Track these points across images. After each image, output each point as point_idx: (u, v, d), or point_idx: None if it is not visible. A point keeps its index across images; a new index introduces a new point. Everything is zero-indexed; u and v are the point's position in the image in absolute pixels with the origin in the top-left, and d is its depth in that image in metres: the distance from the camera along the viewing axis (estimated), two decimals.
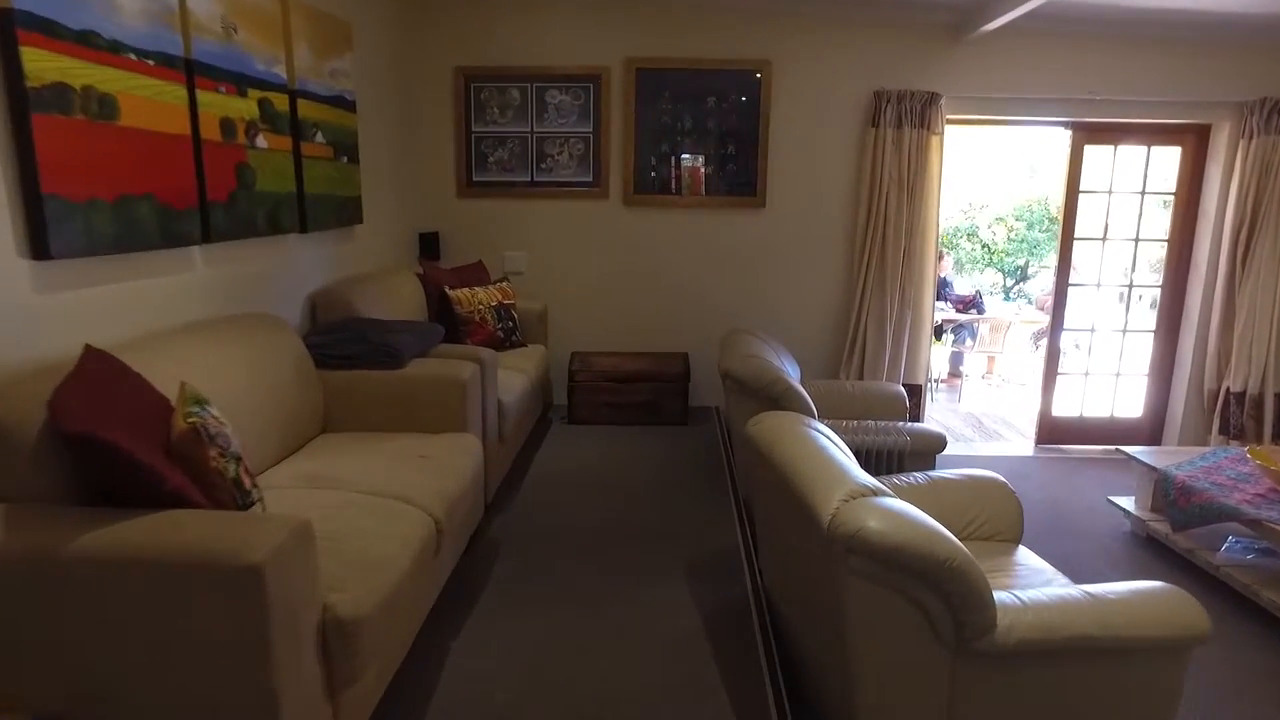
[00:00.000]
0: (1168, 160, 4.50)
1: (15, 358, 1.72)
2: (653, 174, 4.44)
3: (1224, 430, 4.36)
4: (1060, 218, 4.58)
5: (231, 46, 2.47)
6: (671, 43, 4.29)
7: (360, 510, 1.97)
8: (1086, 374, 4.77)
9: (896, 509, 1.59)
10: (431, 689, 2.01)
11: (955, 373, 6.79)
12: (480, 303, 3.96)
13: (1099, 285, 4.74)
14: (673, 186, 4.44)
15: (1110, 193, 4.51)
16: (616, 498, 3.29)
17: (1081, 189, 4.47)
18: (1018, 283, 10.57)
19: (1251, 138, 4.11)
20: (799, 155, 4.38)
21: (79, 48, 1.79)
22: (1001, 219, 10.77)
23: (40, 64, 1.69)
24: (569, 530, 2.97)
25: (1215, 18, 3.88)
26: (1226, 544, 3.01)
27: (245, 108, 2.57)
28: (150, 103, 2.07)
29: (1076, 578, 2.21)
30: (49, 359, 1.75)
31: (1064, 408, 4.77)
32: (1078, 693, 1.69)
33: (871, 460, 3.05)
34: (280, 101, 2.82)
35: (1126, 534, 3.45)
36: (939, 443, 3.11)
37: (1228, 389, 4.33)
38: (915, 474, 2.51)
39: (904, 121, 4.14)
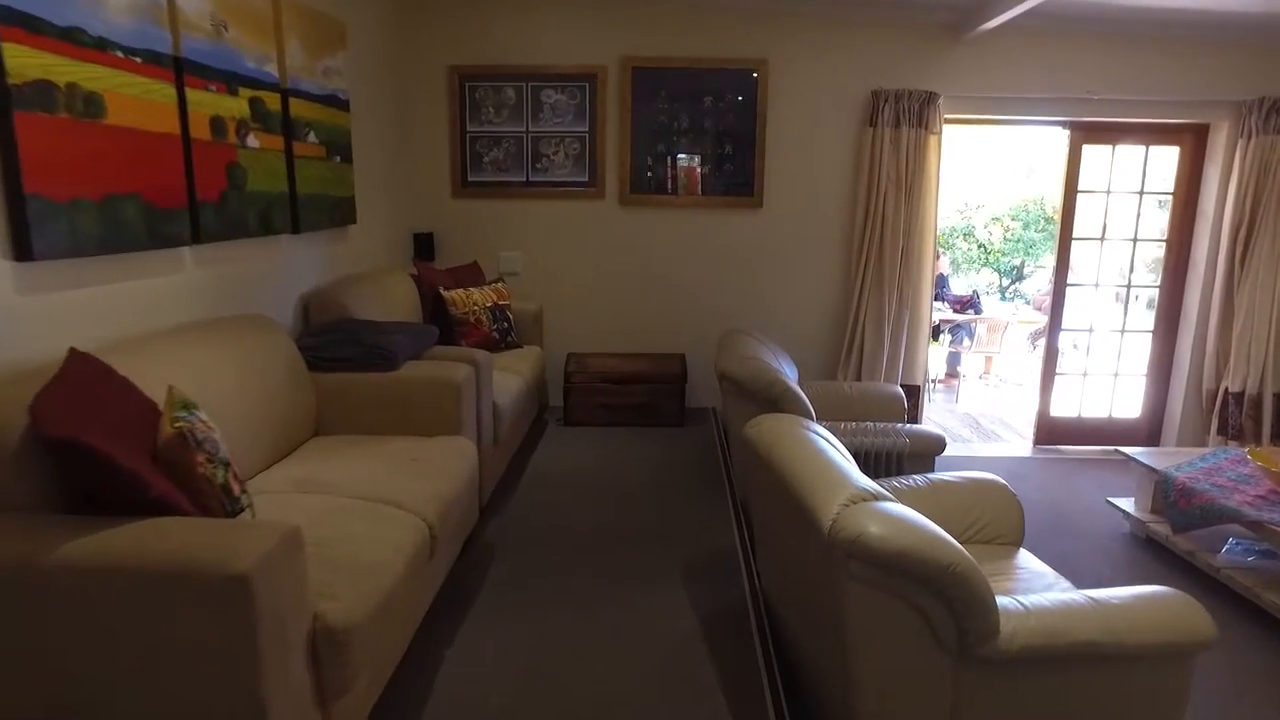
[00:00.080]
0: (1166, 160, 4.48)
1: None
2: (649, 174, 4.41)
3: (1222, 430, 4.34)
4: (1056, 218, 4.57)
5: (222, 44, 2.43)
6: (668, 42, 4.26)
7: (352, 515, 1.94)
8: (1085, 374, 4.76)
9: (897, 513, 1.57)
10: (426, 695, 1.98)
11: (952, 373, 6.78)
12: (475, 304, 3.93)
13: (1097, 285, 4.73)
14: (669, 186, 4.42)
15: (1108, 192, 4.49)
16: (613, 500, 3.26)
17: (1080, 189, 4.46)
18: (1013, 282, 10.57)
19: (1250, 137, 4.10)
20: (796, 155, 4.35)
21: (63, 44, 1.76)
22: (998, 219, 10.77)
23: (23, 60, 1.65)
24: (565, 533, 2.94)
25: (1213, 17, 3.87)
26: (1227, 546, 2.99)
27: (236, 106, 2.54)
28: (138, 101, 2.03)
29: (1076, 580, 2.19)
30: (32, 362, 1.71)
31: (1062, 408, 4.75)
32: (1081, 699, 1.67)
33: (870, 462, 3.02)
34: (272, 100, 2.78)
35: (1126, 535, 3.43)
36: (938, 444, 3.09)
37: (1226, 389, 4.31)
38: (915, 476, 2.48)
39: (902, 121, 4.11)
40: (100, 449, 1.34)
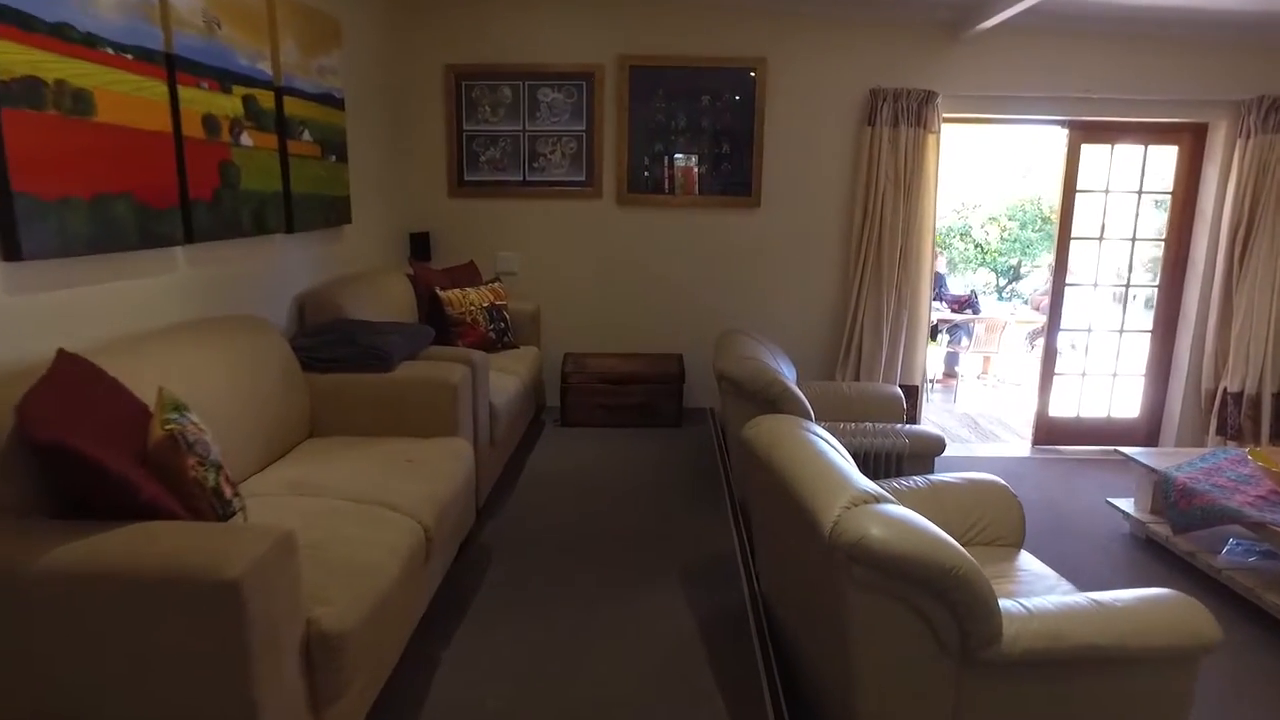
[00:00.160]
0: (1164, 160, 4.48)
1: None
2: (646, 173, 4.39)
3: (1221, 430, 4.34)
4: (1054, 217, 4.56)
5: (214, 41, 2.40)
6: (666, 40, 4.24)
7: (346, 518, 1.92)
8: (1083, 374, 4.75)
9: (899, 516, 1.55)
10: (422, 698, 1.96)
11: (950, 373, 6.77)
12: (472, 304, 3.90)
13: (1096, 285, 4.72)
14: (666, 186, 4.40)
15: (1107, 192, 4.48)
16: (610, 501, 3.24)
17: (1078, 188, 4.45)
18: (1010, 282, 10.58)
19: (1249, 137, 4.09)
20: (794, 154, 4.33)
21: (52, 40, 1.73)
22: (994, 219, 10.77)
23: (10, 56, 1.62)
24: (562, 534, 2.92)
25: (1212, 16, 3.86)
26: (1228, 546, 2.98)
27: (229, 104, 2.51)
28: (129, 98, 2.00)
29: (1077, 581, 2.18)
30: (20, 363, 1.68)
31: (1061, 408, 4.74)
32: (1084, 703, 1.65)
33: (870, 463, 3.00)
34: (266, 98, 2.76)
35: (1125, 536, 3.42)
36: (938, 445, 3.08)
37: (1225, 389, 4.31)
38: (915, 478, 2.47)
39: (900, 120, 4.10)
40: (88, 452, 1.31)
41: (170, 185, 2.22)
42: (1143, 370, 4.68)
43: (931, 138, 4.14)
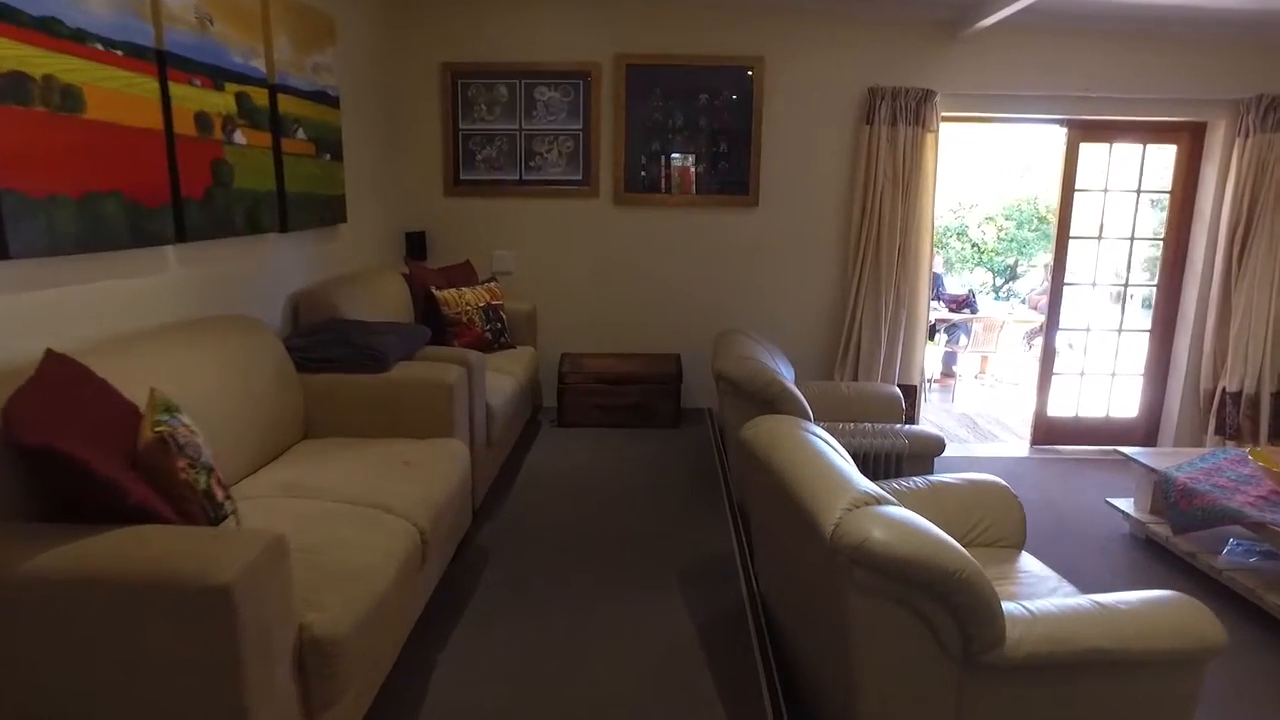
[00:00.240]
0: (1163, 159, 4.47)
1: None
2: (643, 173, 4.37)
3: (1220, 430, 4.33)
4: (1052, 217, 4.55)
5: (206, 38, 2.37)
6: (663, 39, 4.21)
7: (341, 521, 1.89)
8: (1082, 374, 4.74)
9: (901, 518, 1.53)
10: (419, 701, 1.93)
11: (948, 373, 6.76)
12: (468, 303, 3.87)
13: (1094, 285, 4.70)
14: (663, 185, 4.37)
15: (1105, 191, 4.47)
16: (608, 502, 3.22)
17: (1076, 187, 4.43)
18: (1007, 282, 10.58)
19: (1247, 136, 4.08)
20: (792, 153, 4.31)
21: (39, 35, 1.70)
22: (991, 218, 10.78)
23: None
24: (559, 536, 2.89)
25: (1211, 14, 3.85)
26: (1228, 547, 2.96)
27: (222, 102, 2.48)
28: (119, 95, 1.97)
29: (1077, 582, 2.17)
30: (7, 364, 1.64)
31: (1059, 408, 4.73)
32: (1089, 707, 1.63)
33: (869, 464, 2.99)
34: (259, 96, 2.73)
35: (1125, 536, 3.40)
36: (937, 445, 3.06)
37: (1224, 389, 4.30)
38: (915, 478, 2.45)
39: (899, 119, 4.08)
40: (76, 455, 1.29)
41: (161, 183, 2.19)
42: (1141, 370, 4.67)
43: (930, 136, 4.12)
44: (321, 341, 2.76)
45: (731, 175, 4.35)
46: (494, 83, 4.29)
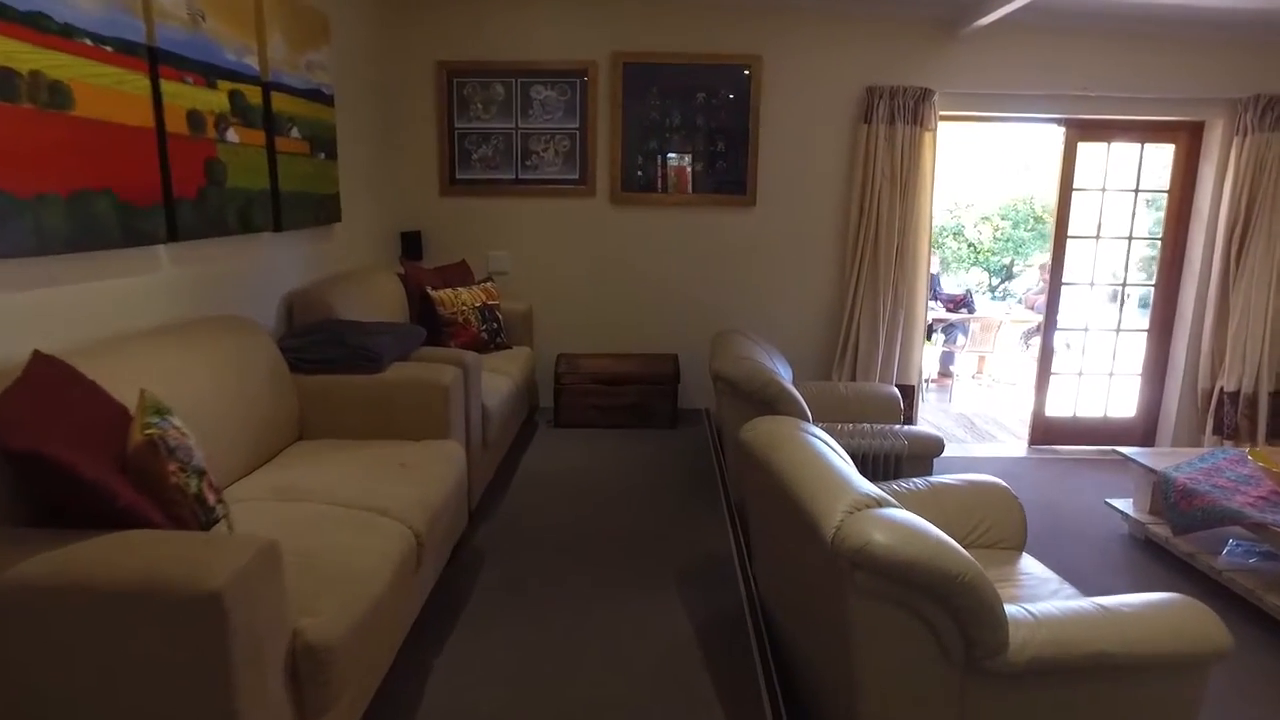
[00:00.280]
0: (1161, 158, 4.46)
1: None
2: (639, 172, 4.35)
3: (1218, 430, 4.32)
4: (1047, 216, 4.54)
5: (199, 35, 2.34)
6: (660, 37, 4.19)
7: (335, 524, 1.86)
8: (1080, 374, 4.73)
9: (903, 520, 1.51)
10: (415, 705, 1.91)
11: (945, 372, 6.75)
12: (463, 304, 3.85)
13: (1092, 285, 4.70)
14: (659, 185, 4.35)
15: (1103, 191, 4.46)
16: (605, 503, 3.20)
17: (1074, 187, 4.42)
18: (1003, 281, 10.58)
19: (1245, 135, 4.07)
20: (790, 152, 4.29)
21: (26, 30, 1.66)
22: (987, 218, 10.78)
23: None
24: (556, 537, 2.87)
25: (1209, 13, 3.84)
26: (1228, 547, 2.95)
27: (215, 100, 2.45)
28: (109, 92, 1.94)
29: (1077, 584, 2.16)
30: None
31: (1057, 408, 4.72)
32: (1092, 711, 1.61)
33: (868, 465, 2.97)
34: (253, 94, 2.70)
35: (1124, 537, 3.39)
36: (936, 446, 3.04)
37: (1222, 389, 4.29)
38: (915, 480, 2.43)
39: (897, 118, 4.06)
40: (62, 459, 1.26)
41: (153, 182, 2.16)
42: (1139, 370, 4.66)
43: (928, 135, 4.11)
44: (316, 342, 2.73)
45: (729, 174, 4.33)
46: (490, 81, 4.27)
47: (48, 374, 1.50)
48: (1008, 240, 10.69)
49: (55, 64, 1.75)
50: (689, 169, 4.34)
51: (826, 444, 1.95)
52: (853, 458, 2.63)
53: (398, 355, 2.85)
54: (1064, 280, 4.56)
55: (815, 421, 2.61)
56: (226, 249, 2.65)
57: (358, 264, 3.84)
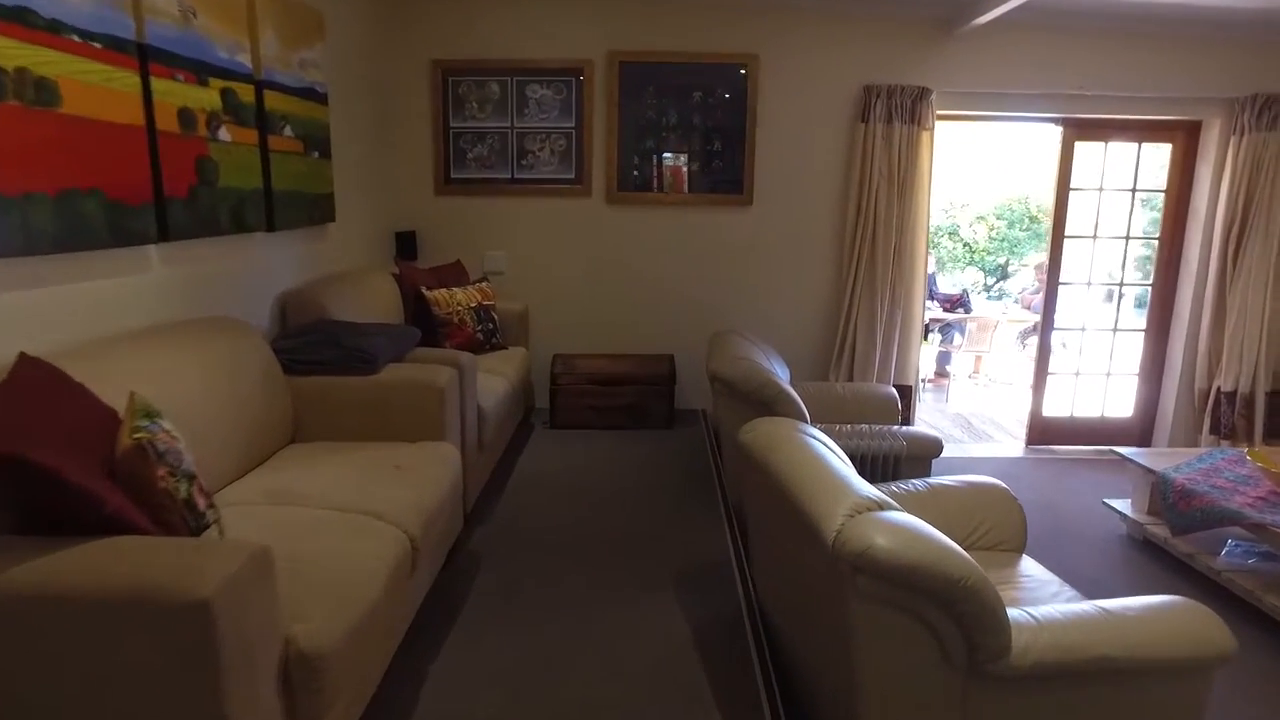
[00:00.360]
0: (1158, 158, 4.45)
1: None
2: (635, 172, 4.32)
3: (1215, 430, 4.32)
4: (1043, 216, 4.53)
5: (190, 31, 2.31)
6: (656, 36, 4.17)
7: (328, 528, 1.84)
8: (1077, 374, 4.72)
9: (904, 524, 1.49)
10: (409, 713, 1.88)
11: (942, 372, 6.74)
12: (459, 304, 3.82)
13: (1089, 284, 4.69)
14: (655, 184, 4.33)
15: (1100, 190, 4.46)
16: (602, 504, 3.17)
17: (1071, 186, 4.41)
18: (998, 281, 10.60)
19: (1242, 135, 4.07)
20: (787, 152, 4.28)
21: (11, 25, 1.63)
22: (982, 218, 10.79)
23: None
24: (552, 539, 2.85)
25: (1206, 12, 3.83)
26: (1226, 548, 2.94)
27: (206, 98, 2.42)
28: (98, 89, 1.91)
29: (1076, 585, 2.15)
30: None
31: (1054, 408, 4.71)
32: (1095, 715, 1.60)
33: (867, 466, 2.95)
34: (245, 92, 2.66)
35: (1123, 537, 3.38)
36: (935, 447, 3.03)
37: (1219, 388, 4.29)
38: (914, 481, 2.42)
39: (894, 117, 4.05)
40: (48, 464, 1.23)
41: (143, 181, 2.13)
42: (1136, 369, 4.66)
43: (925, 135, 4.09)
44: (309, 343, 2.70)
45: (726, 174, 4.31)
46: (485, 80, 4.24)
47: (34, 377, 1.47)
48: (1003, 240, 10.71)
49: (42, 60, 1.71)
50: (685, 168, 4.31)
51: (825, 445, 1.93)
52: (851, 459, 2.61)
53: (392, 356, 2.82)
54: (1061, 280, 4.56)
55: (813, 422, 2.60)
56: (219, 249, 2.62)
57: (352, 264, 3.81)
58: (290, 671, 1.40)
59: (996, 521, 2.33)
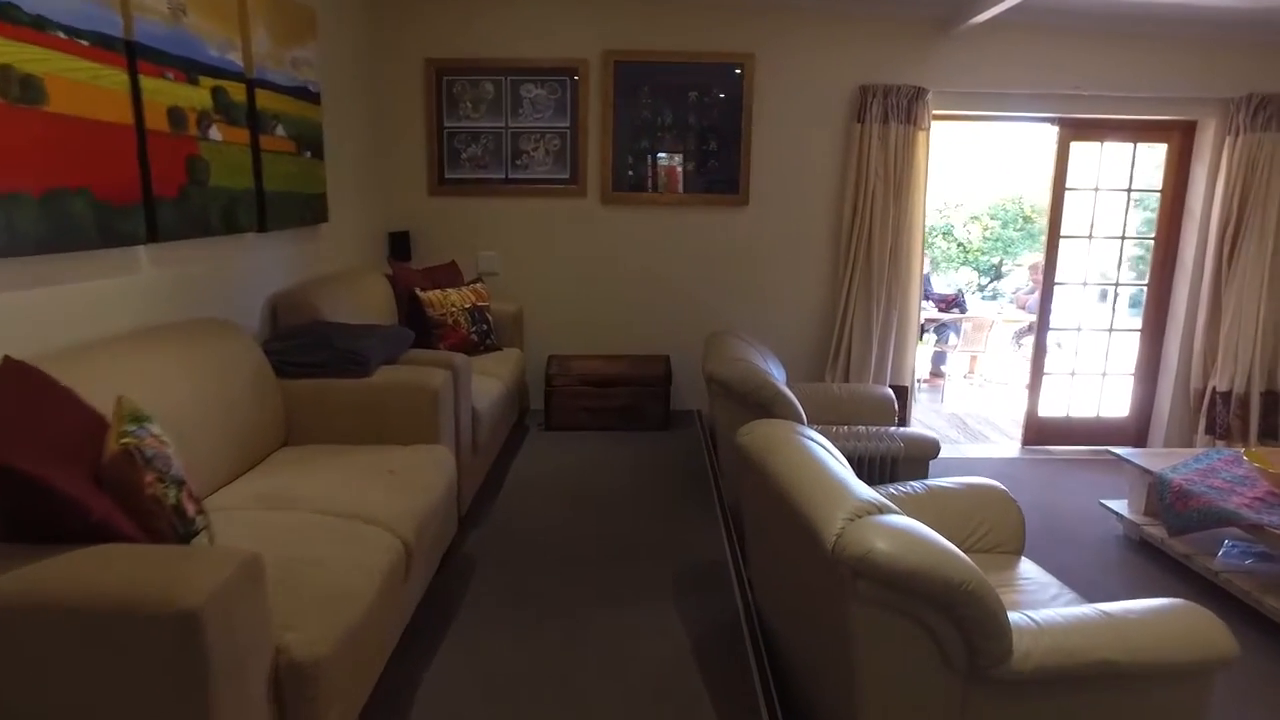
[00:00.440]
0: (1153, 158, 4.46)
1: None
2: (630, 172, 4.30)
3: (1210, 430, 4.32)
4: (1036, 216, 4.53)
5: (180, 29, 2.28)
6: (651, 35, 4.15)
7: (320, 534, 1.81)
8: (1072, 374, 4.72)
9: (905, 527, 1.48)
10: None
11: (937, 373, 6.74)
12: (453, 305, 3.79)
13: (1085, 284, 4.69)
14: (649, 184, 4.31)
15: (1096, 190, 4.45)
16: (597, 507, 3.15)
17: (1067, 186, 4.41)
18: (992, 281, 10.61)
19: (1238, 135, 4.07)
20: (783, 152, 4.26)
21: None
22: (976, 217, 10.80)
23: None
24: (548, 543, 2.82)
25: (1202, 13, 3.83)
26: (1223, 549, 2.94)
27: (197, 96, 2.39)
28: (85, 87, 1.88)
29: (1074, 586, 2.14)
30: None
31: (1050, 408, 4.71)
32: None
33: (864, 467, 2.94)
34: (236, 91, 2.63)
35: (1120, 538, 3.38)
36: (933, 449, 3.02)
37: (1214, 388, 4.29)
38: (913, 483, 2.40)
39: (890, 117, 4.04)
40: (33, 472, 1.20)
41: (132, 181, 2.10)
42: (1132, 369, 4.66)
43: (922, 135, 4.08)
44: (301, 345, 2.67)
45: (721, 174, 4.29)
46: (479, 79, 4.21)
47: (19, 381, 1.44)
48: (996, 240, 10.72)
49: (27, 57, 1.68)
50: (679, 168, 4.30)
51: (824, 448, 1.91)
52: (848, 460, 2.60)
53: (385, 358, 2.80)
54: (1056, 280, 4.55)
55: (809, 423, 2.58)
56: (209, 250, 2.59)
57: (345, 265, 3.78)
58: (282, 681, 1.38)
59: (995, 523, 2.32)
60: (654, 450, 3.86)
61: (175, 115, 2.27)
